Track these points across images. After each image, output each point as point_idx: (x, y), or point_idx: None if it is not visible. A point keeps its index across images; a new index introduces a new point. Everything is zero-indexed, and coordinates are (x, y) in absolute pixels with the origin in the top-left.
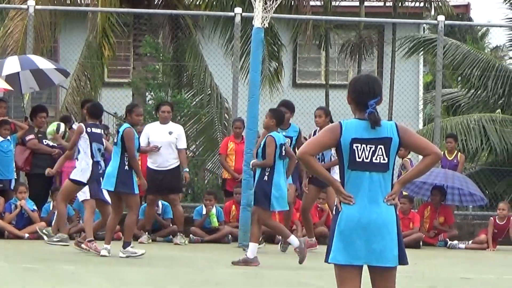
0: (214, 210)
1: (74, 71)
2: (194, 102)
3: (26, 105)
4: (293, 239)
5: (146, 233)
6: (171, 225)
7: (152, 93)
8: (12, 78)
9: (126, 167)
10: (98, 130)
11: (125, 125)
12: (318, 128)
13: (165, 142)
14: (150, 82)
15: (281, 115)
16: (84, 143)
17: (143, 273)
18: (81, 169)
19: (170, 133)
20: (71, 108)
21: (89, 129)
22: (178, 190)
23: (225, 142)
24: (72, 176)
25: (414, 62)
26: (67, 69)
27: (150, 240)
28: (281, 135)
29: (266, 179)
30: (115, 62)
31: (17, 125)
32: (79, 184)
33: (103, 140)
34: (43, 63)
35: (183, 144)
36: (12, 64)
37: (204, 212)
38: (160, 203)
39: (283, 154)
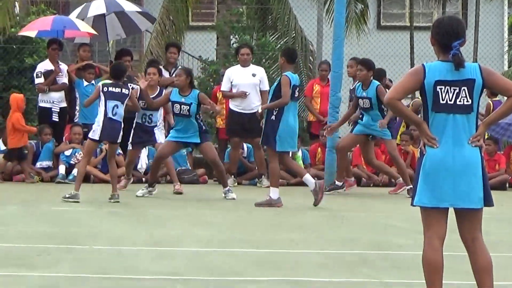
0: (299, 153)
1: (158, 15)
2: (279, 45)
3: (111, 49)
4: (309, 179)
5: (232, 176)
6: (256, 168)
7: (236, 36)
8: (99, 24)
9: None
10: (117, 89)
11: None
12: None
13: (248, 84)
14: (235, 25)
15: (291, 53)
16: (100, 102)
17: (230, 216)
18: (93, 128)
19: (254, 75)
20: (155, 51)
21: (105, 88)
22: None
23: (311, 84)
24: (89, 135)
25: (499, 3)
26: (151, 13)
27: (236, 183)
28: (296, 76)
29: (274, 118)
30: (199, 6)
31: (102, 69)
32: (95, 142)
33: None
34: (128, 5)
35: (266, 86)
36: (98, 6)
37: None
38: (245, 146)
39: (296, 95)
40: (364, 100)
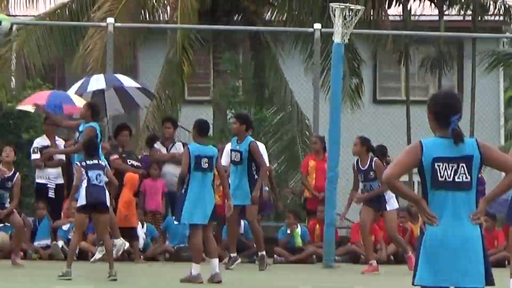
0: (298, 230)
1: (154, 89)
2: (275, 120)
3: (108, 125)
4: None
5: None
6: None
7: (233, 111)
8: (98, 99)
9: None
10: (94, 161)
11: None
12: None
13: None
14: (231, 99)
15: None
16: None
17: None
18: (79, 199)
19: None
20: (152, 126)
21: (83, 163)
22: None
23: (306, 160)
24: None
25: (494, 77)
26: (149, 88)
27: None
28: (199, 146)
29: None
30: (195, 80)
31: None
32: (83, 211)
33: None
34: (127, 81)
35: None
36: (97, 81)
37: (288, 231)
38: (242, 222)
39: (204, 166)
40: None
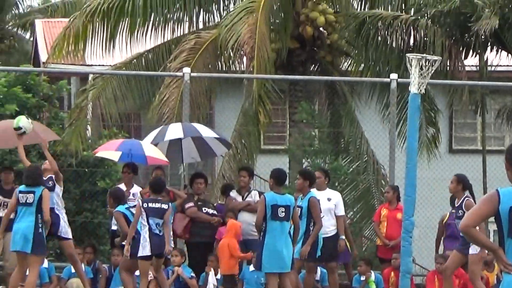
0: (373, 277)
1: (230, 138)
2: (351, 169)
3: (184, 173)
4: None
5: None
6: None
7: (308, 160)
8: (174, 147)
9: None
10: (156, 205)
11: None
12: None
13: (324, 209)
14: (307, 148)
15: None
16: (142, 217)
17: None
18: (141, 245)
19: (329, 199)
20: (227, 175)
21: (145, 204)
22: (337, 258)
23: (379, 209)
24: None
25: None
26: (226, 138)
27: None
28: (274, 195)
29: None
30: (271, 129)
31: (176, 193)
32: (146, 259)
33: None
34: (205, 131)
35: (341, 211)
36: (175, 130)
37: (362, 279)
38: (319, 270)
39: (281, 215)
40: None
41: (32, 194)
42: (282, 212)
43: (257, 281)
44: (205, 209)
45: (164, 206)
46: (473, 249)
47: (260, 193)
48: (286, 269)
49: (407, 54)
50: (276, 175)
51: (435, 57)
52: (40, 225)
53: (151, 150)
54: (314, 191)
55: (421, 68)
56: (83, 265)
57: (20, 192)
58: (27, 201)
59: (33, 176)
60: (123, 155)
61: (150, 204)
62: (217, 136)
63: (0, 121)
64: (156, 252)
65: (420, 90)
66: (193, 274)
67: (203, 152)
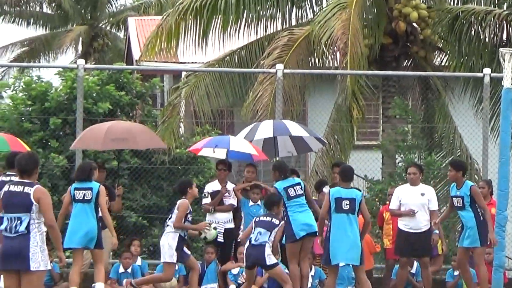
0: None
1: (323, 134)
2: (444, 164)
3: None
4: None
5: None
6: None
7: (402, 156)
8: (268, 144)
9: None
10: (267, 218)
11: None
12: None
13: (417, 204)
14: (400, 144)
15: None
16: None
17: None
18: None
19: (422, 194)
20: (321, 171)
21: (257, 219)
22: (430, 252)
23: None
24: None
25: None
26: (316, 131)
27: None
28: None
29: None
30: (364, 125)
31: (268, 190)
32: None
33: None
34: (296, 129)
35: (434, 206)
36: (265, 129)
37: (456, 273)
38: (415, 263)
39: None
40: (457, 199)
41: (90, 191)
42: (346, 205)
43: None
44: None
45: (275, 221)
46: (476, 242)
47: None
48: (355, 262)
49: (500, 49)
50: (343, 172)
51: None
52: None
53: (237, 143)
54: (407, 186)
55: None
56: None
57: (76, 189)
58: (85, 198)
59: (86, 171)
60: (231, 153)
61: (261, 218)
62: (307, 135)
63: (94, 125)
64: (253, 262)
65: None
66: None
67: (299, 146)
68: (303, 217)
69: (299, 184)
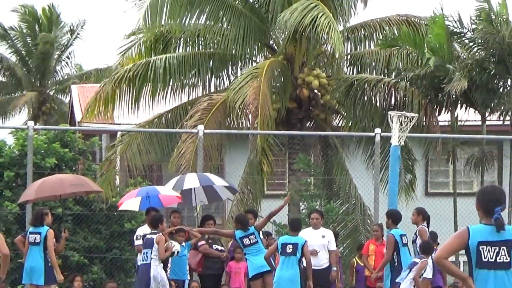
0: None
1: (238, 185)
2: (341, 210)
3: (198, 215)
4: None
5: None
6: None
7: (305, 203)
8: (186, 193)
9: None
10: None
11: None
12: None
13: (319, 244)
14: (304, 193)
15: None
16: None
17: None
18: None
19: (323, 236)
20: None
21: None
22: (329, 286)
23: (367, 244)
24: None
25: None
26: (234, 185)
27: None
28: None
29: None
30: (273, 177)
31: (191, 233)
32: None
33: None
34: (217, 180)
35: (333, 247)
36: (191, 180)
37: None
38: None
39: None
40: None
41: (39, 235)
42: (289, 248)
43: None
44: (215, 246)
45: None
46: (427, 274)
47: (264, 233)
48: None
49: (389, 112)
50: (292, 223)
51: (413, 114)
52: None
53: (165, 190)
54: (310, 229)
55: (401, 124)
56: None
57: (30, 232)
58: (35, 241)
59: (39, 217)
60: (142, 203)
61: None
62: (226, 184)
63: (47, 177)
64: None
65: (400, 143)
66: None
67: (210, 196)
68: (257, 260)
69: (253, 233)
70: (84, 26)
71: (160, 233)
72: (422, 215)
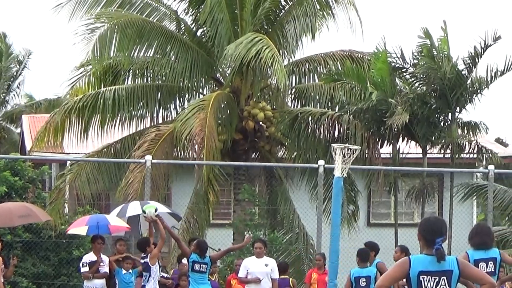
0: None
1: (184, 214)
2: (285, 239)
3: None
4: None
5: None
6: None
7: (250, 232)
8: (133, 220)
9: None
10: None
11: None
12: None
13: (262, 272)
14: (248, 223)
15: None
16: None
17: None
18: None
19: (266, 265)
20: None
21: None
22: None
23: (310, 273)
24: None
25: (469, 205)
26: (178, 213)
27: None
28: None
29: None
30: (218, 206)
31: (137, 261)
32: None
33: None
34: (160, 207)
35: (276, 275)
36: (134, 207)
37: None
38: None
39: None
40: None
41: None
42: (201, 266)
43: None
44: (161, 274)
45: None
46: None
47: None
48: None
49: (332, 144)
50: (198, 244)
51: (356, 147)
52: None
53: (114, 220)
54: (253, 258)
55: (344, 156)
56: None
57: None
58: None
59: None
60: (91, 228)
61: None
62: (169, 211)
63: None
64: None
65: (343, 174)
66: None
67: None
68: None
69: (206, 263)
70: (31, 56)
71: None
72: (404, 252)
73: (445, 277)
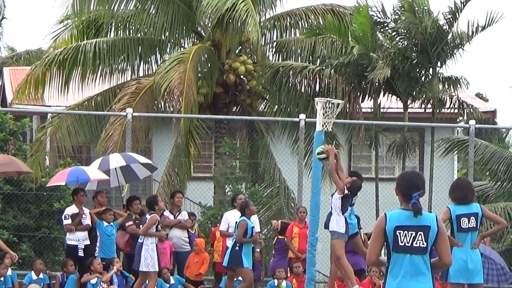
0: (284, 284)
1: (165, 167)
2: (266, 193)
3: (125, 196)
4: None
5: None
6: None
7: (230, 186)
8: (109, 173)
9: None
10: None
11: None
12: None
13: None
14: (229, 176)
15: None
16: None
17: None
18: None
19: None
20: (162, 198)
21: None
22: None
23: (291, 226)
24: None
25: (449, 160)
26: (159, 165)
27: None
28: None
29: None
30: (199, 160)
31: (117, 213)
32: None
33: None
34: (141, 158)
35: (257, 228)
36: (116, 159)
37: (276, 284)
38: None
39: None
40: None
41: None
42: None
43: None
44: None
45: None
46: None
47: (189, 213)
48: None
49: (315, 98)
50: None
51: (339, 101)
52: None
53: (94, 173)
54: (235, 211)
55: (326, 110)
56: (41, 274)
57: None
58: None
59: None
60: (70, 177)
61: None
62: (143, 161)
63: None
64: None
65: (326, 128)
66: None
67: (128, 176)
68: None
69: None
70: (12, 7)
71: (155, 214)
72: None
73: (422, 232)
